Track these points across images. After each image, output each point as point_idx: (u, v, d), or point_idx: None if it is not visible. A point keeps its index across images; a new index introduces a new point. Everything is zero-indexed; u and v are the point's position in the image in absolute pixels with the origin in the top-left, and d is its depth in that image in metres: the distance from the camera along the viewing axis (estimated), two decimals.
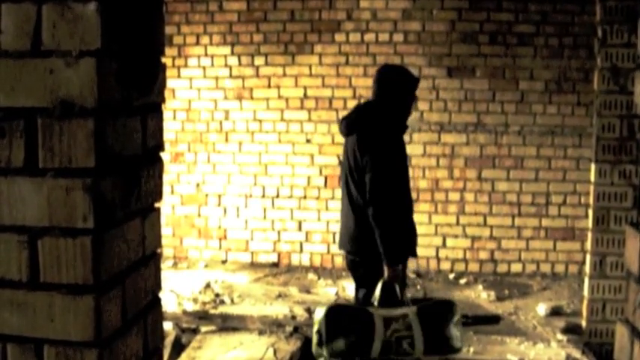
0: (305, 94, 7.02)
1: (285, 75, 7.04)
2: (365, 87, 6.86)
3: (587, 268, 4.81)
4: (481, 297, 6.14)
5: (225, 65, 7.14)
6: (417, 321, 3.44)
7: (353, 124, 3.94)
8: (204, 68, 7.19)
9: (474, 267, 6.92)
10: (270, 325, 5.19)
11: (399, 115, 3.95)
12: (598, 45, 4.69)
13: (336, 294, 6.19)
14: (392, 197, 3.75)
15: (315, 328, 3.55)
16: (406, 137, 4.41)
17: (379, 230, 3.70)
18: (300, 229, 7.13)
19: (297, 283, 6.55)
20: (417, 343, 3.42)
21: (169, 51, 7.04)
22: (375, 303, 3.59)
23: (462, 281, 6.63)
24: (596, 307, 4.79)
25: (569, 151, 6.74)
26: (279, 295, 6.08)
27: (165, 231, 7.18)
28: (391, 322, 3.46)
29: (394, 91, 3.91)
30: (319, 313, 3.56)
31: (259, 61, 7.06)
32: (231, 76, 7.13)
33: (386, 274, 3.70)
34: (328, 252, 7.09)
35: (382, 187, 3.72)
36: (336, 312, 3.57)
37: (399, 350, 3.44)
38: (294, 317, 5.46)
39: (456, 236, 6.91)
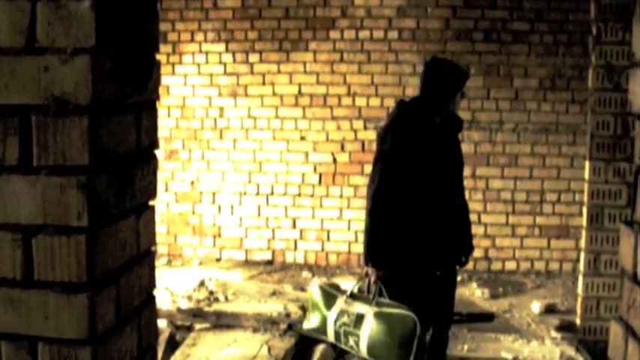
0: (299, 91, 7.02)
1: (279, 72, 7.03)
2: (359, 84, 6.86)
3: (582, 266, 4.82)
4: (475, 295, 6.15)
5: (220, 62, 7.13)
6: (370, 323, 3.37)
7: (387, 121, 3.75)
8: (198, 65, 7.17)
9: (468, 265, 6.89)
10: (265, 323, 5.18)
11: (439, 111, 3.70)
12: (592, 42, 4.70)
13: None
14: (389, 199, 3.54)
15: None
16: None
17: (366, 226, 3.60)
18: (294, 226, 7.12)
19: (291, 280, 6.55)
20: (361, 344, 3.39)
21: (164, 48, 7.03)
22: (348, 292, 3.59)
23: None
24: (590, 304, 4.80)
25: (564, 148, 6.75)
26: (274, 293, 6.07)
27: (160, 228, 7.16)
28: (344, 314, 3.48)
29: (441, 87, 3.66)
30: (310, 287, 3.79)
31: (254, 58, 7.05)
32: (225, 73, 7.12)
33: (364, 269, 3.66)
34: (322, 250, 7.09)
35: (380, 183, 3.54)
36: (319, 289, 3.69)
37: (346, 343, 3.48)
38: (288, 315, 5.45)
39: None
